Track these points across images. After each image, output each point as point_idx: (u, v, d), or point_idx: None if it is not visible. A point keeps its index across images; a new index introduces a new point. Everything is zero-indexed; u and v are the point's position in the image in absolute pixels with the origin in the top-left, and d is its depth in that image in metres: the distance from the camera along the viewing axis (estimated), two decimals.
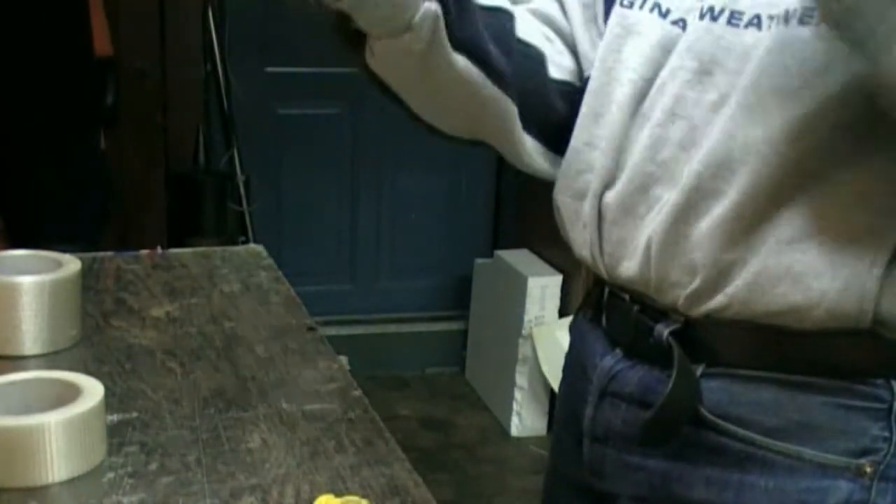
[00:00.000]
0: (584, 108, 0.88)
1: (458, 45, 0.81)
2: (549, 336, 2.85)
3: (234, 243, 1.86)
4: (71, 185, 2.43)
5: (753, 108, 0.75)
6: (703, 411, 0.80)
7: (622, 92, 0.84)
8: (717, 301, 0.78)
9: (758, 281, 0.76)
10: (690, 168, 0.78)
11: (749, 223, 0.76)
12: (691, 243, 0.78)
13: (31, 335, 1.02)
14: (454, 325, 3.35)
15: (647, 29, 0.84)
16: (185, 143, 2.88)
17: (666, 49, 0.82)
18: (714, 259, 0.77)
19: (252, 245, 1.51)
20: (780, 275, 0.75)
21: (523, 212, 3.23)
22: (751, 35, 0.77)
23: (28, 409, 0.81)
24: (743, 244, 0.76)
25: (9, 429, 0.79)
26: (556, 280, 2.90)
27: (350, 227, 3.33)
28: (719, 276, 0.77)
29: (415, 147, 3.29)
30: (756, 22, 0.77)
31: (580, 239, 0.88)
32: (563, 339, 3.04)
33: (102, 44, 2.43)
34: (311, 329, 1.15)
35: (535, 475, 2.74)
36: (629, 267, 0.83)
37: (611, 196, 0.85)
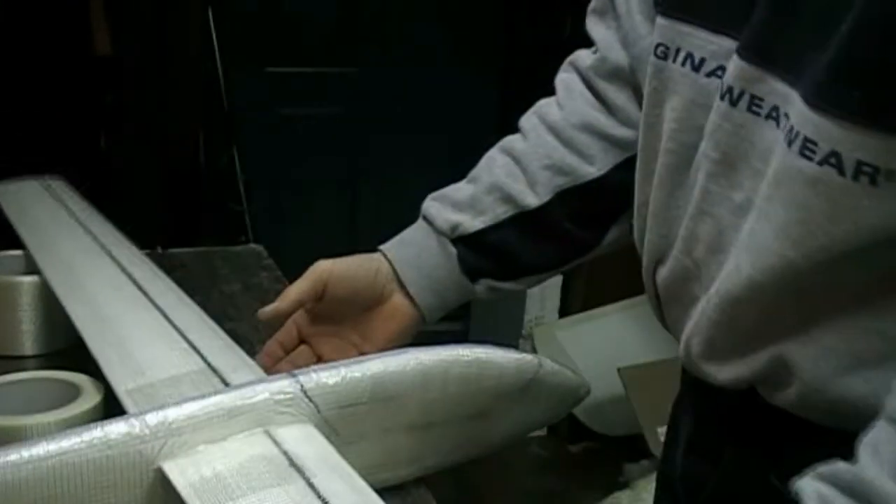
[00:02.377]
0: (639, 163, 0.83)
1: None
2: (549, 336, 2.85)
3: (235, 243, 1.86)
4: (71, 185, 2.43)
5: (775, 231, 0.66)
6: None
7: (661, 163, 0.78)
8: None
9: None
10: (721, 279, 0.71)
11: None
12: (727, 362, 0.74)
13: (30, 335, 1.02)
14: (454, 325, 3.35)
15: (681, 87, 0.76)
16: (185, 143, 2.87)
17: (705, 107, 0.74)
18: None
19: (252, 245, 1.51)
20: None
21: None
22: (770, 131, 0.68)
23: (28, 409, 0.81)
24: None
25: (7, 429, 0.79)
26: (556, 280, 2.90)
27: (350, 227, 3.33)
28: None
29: (415, 147, 3.29)
30: (775, 115, 0.68)
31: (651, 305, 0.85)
32: (563, 340, 3.04)
33: (102, 44, 2.43)
34: None
35: (535, 475, 2.74)
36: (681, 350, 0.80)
37: (661, 275, 0.80)
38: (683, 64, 0.75)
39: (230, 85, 2.88)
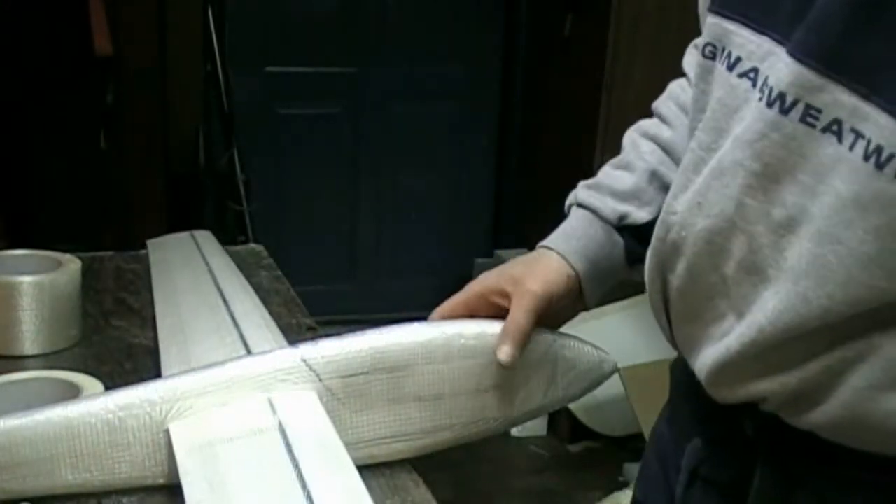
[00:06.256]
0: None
1: None
2: None
3: (235, 243, 1.86)
4: (71, 185, 2.44)
5: (862, 261, 0.61)
6: None
7: (684, 160, 0.75)
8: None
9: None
10: (759, 308, 0.67)
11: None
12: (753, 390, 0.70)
13: (30, 335, 1.02)
14: None
15: (714, 85, 0.72)
16: (185, 143, 2.88)
17: (731, 108, 0.70)
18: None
19: (252, 245, 1.50)
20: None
21: (523, 212, 3.23)
22: (830, 146, 0.62)
23: (28, 409, 0.81)
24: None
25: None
26: None
27: (350, 227, 3.33)
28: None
29: (415, 147, 3.29)
30: (835, 129, 0.62)
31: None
32: None
33: (102, 44, 2.44)
34: (311, 329, 1.15)
35: (535, 475, 2.74)
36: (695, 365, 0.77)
37: (675, 285, 0.76)
38: (722, 62, 0.71)
39: (230, 85, 2.88)
